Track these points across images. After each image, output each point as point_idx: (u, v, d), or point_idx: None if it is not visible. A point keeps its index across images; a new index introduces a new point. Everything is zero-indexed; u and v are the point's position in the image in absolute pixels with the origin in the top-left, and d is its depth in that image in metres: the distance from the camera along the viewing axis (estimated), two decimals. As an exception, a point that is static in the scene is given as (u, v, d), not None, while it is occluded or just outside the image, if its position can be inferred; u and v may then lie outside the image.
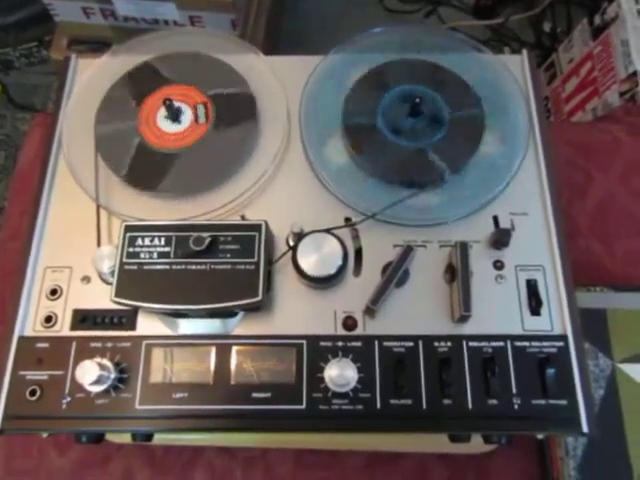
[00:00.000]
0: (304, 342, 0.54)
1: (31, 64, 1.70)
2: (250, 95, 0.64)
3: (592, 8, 1.24)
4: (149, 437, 0.62)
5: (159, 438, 0.67)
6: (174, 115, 0.61)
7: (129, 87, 0.65)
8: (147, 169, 0.60)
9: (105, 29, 1.35)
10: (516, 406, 0.51)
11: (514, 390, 0.52)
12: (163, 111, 0.62)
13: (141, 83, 0.65)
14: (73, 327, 0.55)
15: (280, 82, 0.64)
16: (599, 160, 0.88)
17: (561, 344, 0.53)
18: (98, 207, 0.59)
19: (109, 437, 0.68)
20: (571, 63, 1.29)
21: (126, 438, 0.64)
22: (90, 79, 0.66)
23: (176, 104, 0.61)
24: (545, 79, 1.42)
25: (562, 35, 1.59)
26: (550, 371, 0.51)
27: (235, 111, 0.63)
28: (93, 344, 0.54)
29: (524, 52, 0.66)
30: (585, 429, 0.50)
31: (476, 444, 0.61)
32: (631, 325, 0.70)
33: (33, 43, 1.67)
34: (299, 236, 0.55)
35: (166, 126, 0.62)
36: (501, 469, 0.71)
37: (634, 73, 1.02)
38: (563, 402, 0.51)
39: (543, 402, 0.51)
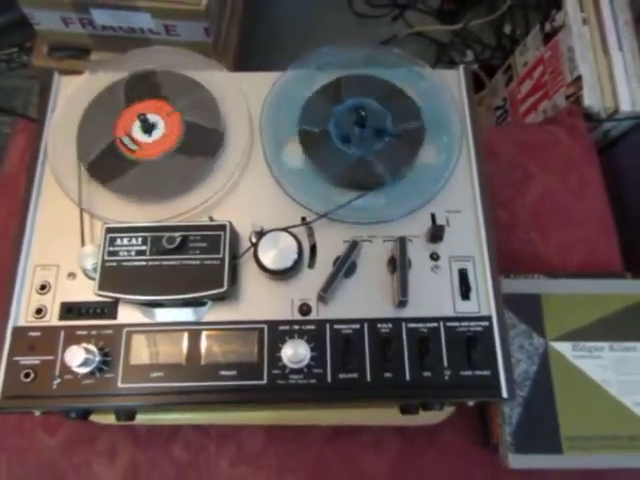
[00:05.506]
0: (265, 326, 0.60)
1: (12, 69, 1.74)
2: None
3: (545, 14, 1.32)
4: (132, 417, 0.68)
5: (141, 418, 0.73)
6: (148, 128, 0.68)
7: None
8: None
9: (84, 37, 1.39)
10: (447, 377, 0.59)
11: (445, 363, 0.59)
12: (138, 124, 0.68)
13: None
14: (61, 317, 0.61)
15: (243, 96, 0.71)
16: (540, 159, 0.96)
17: (486, 324, 0.61)
18: (81, 211, 0.65)
19: (95, 418, 0.75)
20: (526, 66, 1.37)
21: (111, 419, 0.70)
22: (71, 95, 0.72)
23: (149, 117, 0.68)
24: (504, 80, 1.50)
25: (521, 37, 1.67)
26: (476, 346, 0.59)
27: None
28: (79, 332, 0.60)
29: (460, 67, 0.73)
30: (505, 395, 0.58)
31: (426, 416, 0.68)
32: (563, 308, 0.78)
33: (14, 49, 1.71)
34: (260, 234, 0.61)
35: (141, 137, 0.68)
36: (449, 438, 0.79)
37: (578, 78, 1.10)
38: (487, 372, 0.59)
39: (470, 373, 0.59)
